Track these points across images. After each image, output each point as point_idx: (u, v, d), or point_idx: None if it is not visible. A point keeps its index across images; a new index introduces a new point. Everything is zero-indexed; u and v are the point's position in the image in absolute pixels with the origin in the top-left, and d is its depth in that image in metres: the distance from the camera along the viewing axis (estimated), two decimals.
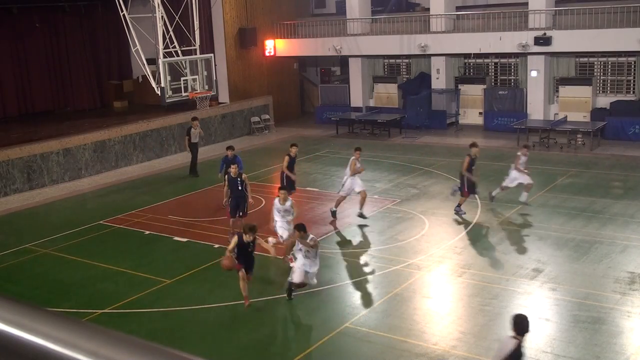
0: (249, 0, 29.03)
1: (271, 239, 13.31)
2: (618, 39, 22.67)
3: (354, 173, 15.74)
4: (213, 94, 23.69)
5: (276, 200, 13.42)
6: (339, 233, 15.29)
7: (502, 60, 27.25)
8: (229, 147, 17.22)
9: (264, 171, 21.74)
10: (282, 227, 13.29)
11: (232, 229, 14.22)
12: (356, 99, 29.78)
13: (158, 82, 21.54)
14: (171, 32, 22.49)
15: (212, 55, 24.27)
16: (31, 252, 14.90)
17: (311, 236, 11.39)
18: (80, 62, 29.48)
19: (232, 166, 14.48)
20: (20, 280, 13.40)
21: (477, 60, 27.90)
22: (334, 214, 16.09)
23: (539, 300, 11.41)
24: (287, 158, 16.50)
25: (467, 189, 15.73)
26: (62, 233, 16.09)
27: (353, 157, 15.79)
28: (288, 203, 13.32)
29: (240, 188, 14.30)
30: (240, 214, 14.47)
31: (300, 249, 11.32)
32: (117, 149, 23.16)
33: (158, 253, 14.75)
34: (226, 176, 14.73)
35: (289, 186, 16.36)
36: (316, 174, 21.08)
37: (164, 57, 21.67)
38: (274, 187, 20.54)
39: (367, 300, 11.66)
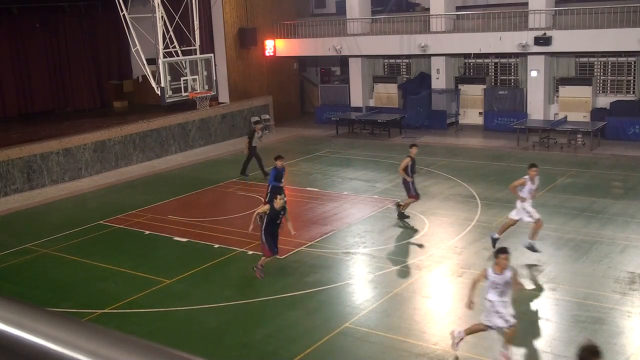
0: (249, 0, 29.03)
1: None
2: (618, 39, 22.67)
3: (532, 197, 12.96)
4: (213, 94, 23.70)
5: (489, 271, 9.13)
6: (338, 233, 15.27)
7: (502, 60, 27.25)
8: (279, 157, 15.73)
9: None
10: (501, 311, 9.08)
11: (260, 264, 12.59)
12: (356, 99, 29.78)
13: (158, 82, 21.54)
14: (171, 32, 22.49)
15: (212, 55, 24.27)
16: (31, 252, 14.90)
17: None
18: (80, 62, 29.48)
19: (278, 197, 12.29)
20: (20, 280, 13.40)
21: (477, 60, 27.89)
22: (494, 242, 13.18)
23: (539, 300, 11.41)
24: (407, 159, 15.27)
25: None
26: (62, 233, 16.09)
27: (526, 177, 12.88)
28: (508, 273, 9.07)
29: (279, 222, 12.33)
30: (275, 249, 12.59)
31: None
32: (117, 149, 23.16)
33: (158, 253, 14.75)
34: (267, 205, 12.50)
35: (409, 190, 15.48)
36: (316, 174, 21.08)
37: (164, 57, 21.67)
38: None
39: (367, 300, 11.66)
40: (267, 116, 29.29)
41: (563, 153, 22.52)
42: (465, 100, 27.52)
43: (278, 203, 12.21)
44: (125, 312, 11.57)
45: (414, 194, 15.59)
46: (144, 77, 23.60)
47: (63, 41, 28.94)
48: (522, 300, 11.38)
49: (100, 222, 16.83)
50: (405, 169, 15.30)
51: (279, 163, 15.59)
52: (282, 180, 15.66)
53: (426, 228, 15.26)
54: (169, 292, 12.32)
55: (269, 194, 15.14)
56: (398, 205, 15.94)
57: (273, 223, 12.26)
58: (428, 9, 27.37)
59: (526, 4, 24.93)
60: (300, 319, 11.12)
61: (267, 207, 12.46)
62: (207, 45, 26.78)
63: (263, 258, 12.57)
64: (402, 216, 15.75)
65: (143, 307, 11.71)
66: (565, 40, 23.78)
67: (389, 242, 14.50)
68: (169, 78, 21.50)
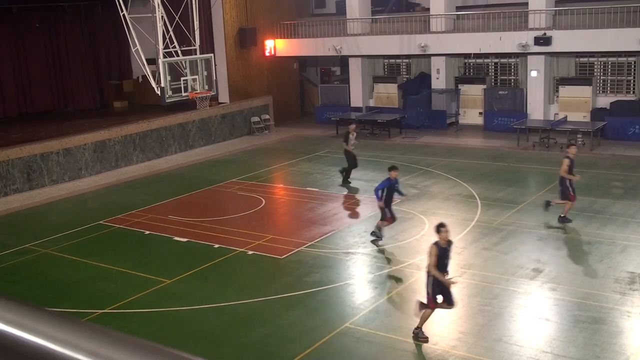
0: (249, 0, 29.03)
1: None
2: (618, 39, 22.66)
3: None
4: (213, 94, 23.71)
5: None
6: (338, 233, 15.27)
7: (502, 60, 27.25)
8: (393, 168, 14.29)
9: (263, 171, 21.74)
10: None
11: (422, 321, 10.04)
12: (356, 99, 29.78)
13: (158, 82, 21.55)
14: (171, 32, 22.50)
15: (212, 55, 24.29)
16: (31, 252, 14.90)
17: None
18: (80, 62, 29.48)
19: (442, 229, 9.83)
20: (20, 280, 13.40)
21: (477, 60, 27.89)
22: None
23: (539, 300, 11.41)
24: (566, 161, 14.53)
25: None
26: (62, 233, 16.09)
27: None
28: None
29: (447, 262, 10.05)
30: (449, 301, 10.12)
31: None
32: (117, 149, 23.16)
33: (158, 253, 14.75)
34: (434, 245, 9.89)
35: (567, 191, 14.56)
36: (316, 174, 21.08)
37: (164, 57, 21.68)
38: (274, 187, 20.58)
39: (367, 300, 11.66)
40: (267, 116, 29.29)
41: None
42: (465, 100, 27.52)
43: (443, 236, 9.86)
44: (125, 312, 11.57)
45: (573, 195, 14.71)
46: (144, 77, 23.61)
47: (63, 41, 28.93)
48: (522, 300, 11.38)
49: (100, 222, 16.83)
50: (569, 171, 14.56)
51: (393, 174, 14.06)
52: (396, 193, 14.23)
53: (426, 228, 15.25)
54: (169, 292, 12.32)
55: (385, 211, 14.14)
56: (548, 203, 15.15)
57: (441, 263, 9.92)
58: (428, 9, 27.37)
59: (526, 4, 24.93)
60: (300, 319, 11.12)
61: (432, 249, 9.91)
62: (207, 45, 26.79)
63: (424, 311, 10.05)
64: (564, 220, 14.86)
65: (143, 307, 11.71)
66: (565, 40, 23.78)
67: (389, 242, 14.50)
68: (169, 78, 21.51)
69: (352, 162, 19.50)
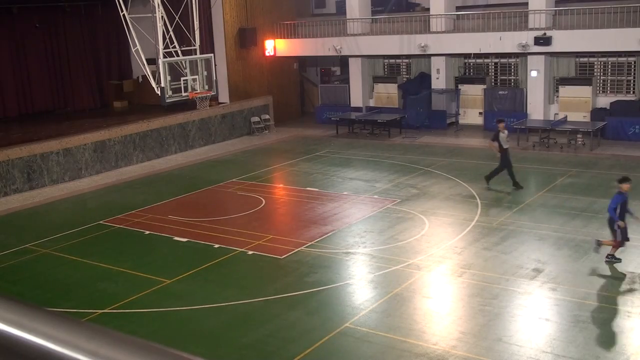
0: (249, 0, 29.03)
1: None
2: (618, 39, 22.67)
3: None
4: (213, 94, 23.71)
5: None
6: (338, 233, 15.27)
7: (502, 60, 27.24)
8: (625, 179, 12.00)
9: (263, 171, 21.74)
10: None
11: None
12: (356, 99, 29.78)
13: (158, 82, 21.55)
14: (171, 32, 22.50)
15: (212, 55, 24.29)
16: (31, 252, 14.90)
17: None
18: (80, 62, 29.49)
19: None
20: (20, 280, 13.40)
21: (477, 60, 27.89)
22: None
23: (539, 300, 11.41)
24: None
25: None
26: (62, 233, 16.09)
27: None
28: None
29: None
30: None
31: None
32: (117, 149, 23.16)
33: (158, 253, 14.75)
34: None
35: None
36: (316, 174, 21.08)
37: (164, 57, 21.68)
38: (274, 187, 20.58)
39: (367, 300, 11.66)
40: (267, 116, 29.29)
41: (563, 153, 22.52)
42: (465, 100, 27.52)
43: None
44: (125, 312, 11.57)
45: None
46: (144, 77, 23.61)
47: (63, 41, 28.94)
48: (522, 300, 11.39)
49: (100, 222, 16.83)
50: None
51: (624, 187, 11.93)
52: (628, 208, 12.18)
53: (426, 228, 15.26)
54: (169, 292, 12.32)
55: (617, 231, 12.15)
56: None
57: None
58: (428, 9, 27.37)
59: (526, 4, 24.93)
60: (300, 319, 11.12)
61: None
62: (207, 45, 26.79)
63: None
64: None
65: (143, 307, 11.72)
66: (565, 40, 23.78)
67: (389, 242, 14.50)
68: (169, 78, 21.51)
69: (506, 163, 17.89)
